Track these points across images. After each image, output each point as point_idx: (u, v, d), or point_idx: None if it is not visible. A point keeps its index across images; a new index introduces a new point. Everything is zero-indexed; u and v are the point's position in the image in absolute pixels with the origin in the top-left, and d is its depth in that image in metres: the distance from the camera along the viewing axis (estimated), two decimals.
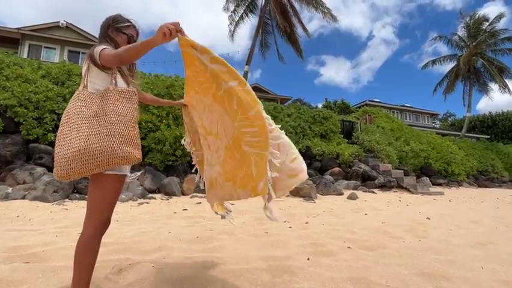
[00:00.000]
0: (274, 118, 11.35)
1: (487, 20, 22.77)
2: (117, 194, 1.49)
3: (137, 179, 6.67)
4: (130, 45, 1.36)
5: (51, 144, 6.81)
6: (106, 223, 1.46)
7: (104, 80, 1.46)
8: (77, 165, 1.30)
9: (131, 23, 1.64)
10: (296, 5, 18.43)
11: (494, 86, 23.76)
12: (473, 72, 24.05)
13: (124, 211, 4.43)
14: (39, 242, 2.58)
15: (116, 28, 1.59)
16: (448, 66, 25.36)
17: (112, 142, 1.35)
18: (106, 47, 1.43)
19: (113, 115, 1.40)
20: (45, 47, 17.97)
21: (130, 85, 1.56)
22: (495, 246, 3.14)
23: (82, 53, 18.66)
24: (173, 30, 1.30)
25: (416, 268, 2.32)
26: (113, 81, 1.47)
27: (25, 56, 16.64)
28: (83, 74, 1.50)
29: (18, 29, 17.43)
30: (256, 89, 25.28)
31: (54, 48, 18.16)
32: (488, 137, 28.30)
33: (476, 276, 2.21)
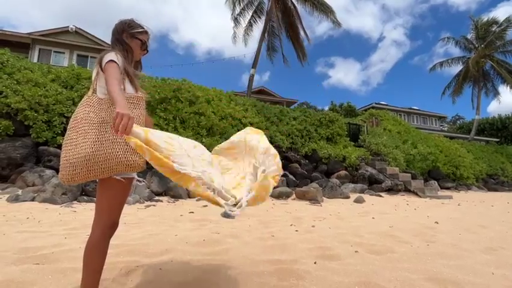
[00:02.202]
0: (279, 121, 11.40)
1: (497, 23, 22.50)
2: (125, 196, 1.51)
3: (145, 182, 6.72)
4: (114, 91, 1.28)
5: (60, 147, 6.90)
6: (114, 225, 1.48)
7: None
8: (82, 170, 1.33)
9: (144, 28, 1.66)
10: (300, 8, 18.51)
11: (505, 88, 23.48)
12: (482, 75, 23.76)
13: (131, 213, 4.46)
14: (48, 244, 2.62)
15: (130, 33, 1.61)
16: (457, 69, 25.13)
17: (117, 149, 1.36)
18: (113, 59, 1.42)
19: None
20: (54, 52, 18.29)
21: (138, 91, 1.57)
22: (506, 252, 3.08)
23: (91, 57, 18.93)
24: (124, 127, 1.18)
25: (425, 273, 2.29)
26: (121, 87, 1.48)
27: (35, 60, 16.96)
28: (92, 79, 1.52)
29: (29, 34, 17.80)
30: (261, 92, 25.31)
31: (64, 53, 18.47)
32: (498, 140, 27.86)
33: (486, 282, 2.17)
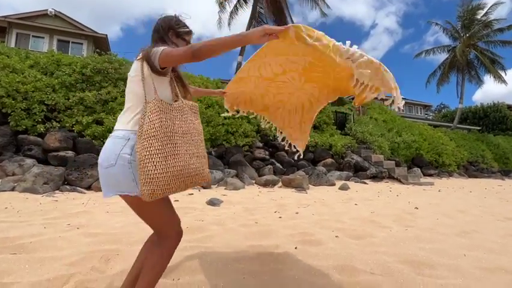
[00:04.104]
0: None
1: (483, 9, 22.67)
2: (169, 201, 1.43)
3: None
4: (212, 39, 1.22)
5: (41, 135, 6.72)
6: (180, 231, 1.44)
7: (165, 88, 1.38)
8: (172, 185, 1.23)
9: (189, 28, 1.53)
10: None
11: (487, 77, 23.99)
12: (466, 64, 24.19)
13: (114, 202, 4.41)
14: (26, 234, 2.57)
15: (177, 32, 1.46)
16: (442, 57, 25.48)
17: (202, 164, 1.39)
18: (166, 47, 1.31)
19: (196, 134, 1.41)
20: (33, 36, 17.53)
21: (187, 95, 1.55)
22: (480, 235, 3.22)
23: (72, 42, 18.26)
24: (276, 32, 1.21)
25: (401, 256, 2.37)
26: (176, 91, 1.45)
27: (13, 45, 16.23)
28: (140, 83, 1.33)
29: (5, 17, 16.96)
30: None
31: (43, 37, 17.73)
32: (480, 128, 28.68)
33: (458, 263, 2.27)
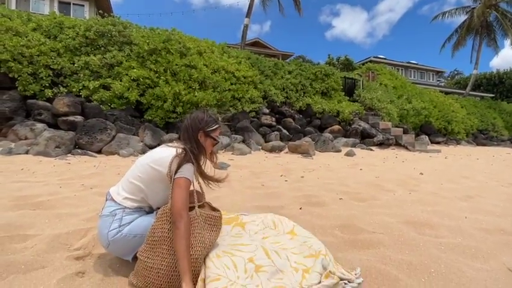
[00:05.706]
0: (274, 75, 11.16)
1: None
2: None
3: (138, 135, 6.73)
4: (186, 240, 1.25)
5: (49, 100, 6.78)
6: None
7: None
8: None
9: (218, 123, 1.56)
10: None
11: (508, 42, 22.70)
12: (485, 27, 22.87)
13: (124, 165, 4.55)
14: (44, 192, 2.70)
15: (205, 132, 1.51)
16: (461, 19, 24.03)
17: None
18: (187, 177, 1.34)
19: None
20: None
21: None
22: (482, 199, 3.26)
23: (73, 4, 17.66)
24: None
25: (403, 217, 2.44)
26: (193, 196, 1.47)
27: (13, 7, 15.78)
28: (168, 183, 1.37)
29: None
30: (256, 44, 24.30)
31: None
32: (493, 95, 27.81)
33: (459, 225, 2.33)
